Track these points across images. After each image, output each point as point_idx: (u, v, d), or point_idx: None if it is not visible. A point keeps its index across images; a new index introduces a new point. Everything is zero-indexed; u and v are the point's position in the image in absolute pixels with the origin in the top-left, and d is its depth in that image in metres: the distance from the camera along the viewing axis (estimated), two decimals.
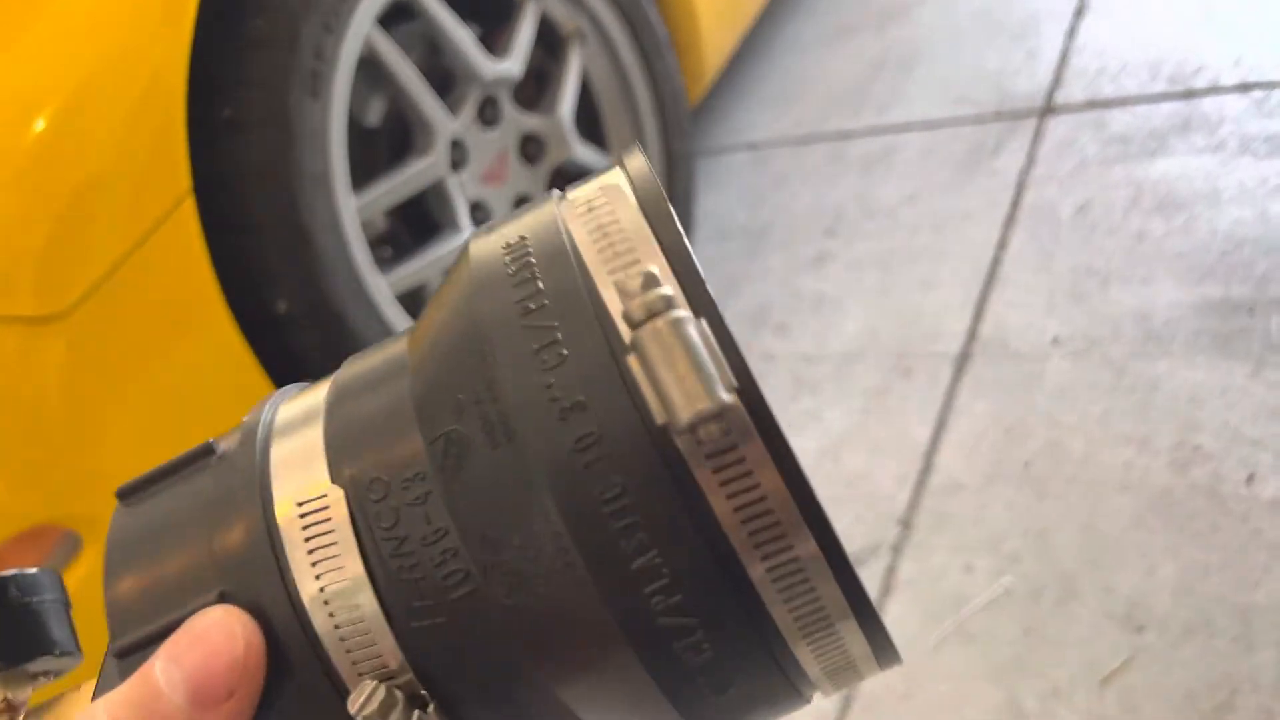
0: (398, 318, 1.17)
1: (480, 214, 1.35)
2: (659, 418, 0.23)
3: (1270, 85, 1.42)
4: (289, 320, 1.08)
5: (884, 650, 0.28)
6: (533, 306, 0.25)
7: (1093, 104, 1.57)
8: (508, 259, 0.27)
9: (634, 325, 0.23)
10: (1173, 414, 1.13)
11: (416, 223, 1.33)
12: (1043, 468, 1.15)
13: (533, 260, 0.26)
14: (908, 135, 1.73)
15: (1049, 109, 1.61)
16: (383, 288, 1.16)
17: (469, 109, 1.31)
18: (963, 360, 1.31)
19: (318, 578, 0.26)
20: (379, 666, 0.26)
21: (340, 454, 0.28)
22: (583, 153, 1.45)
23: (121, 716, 0.26)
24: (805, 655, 0.27)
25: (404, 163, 1.25)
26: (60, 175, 0.96)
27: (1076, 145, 1.52)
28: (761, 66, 2.07)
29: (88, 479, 1.00)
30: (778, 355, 1.46)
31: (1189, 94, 1.49)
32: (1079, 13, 1.75)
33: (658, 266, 0.25)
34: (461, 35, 1.28)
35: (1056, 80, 1.65)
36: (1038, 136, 1.57)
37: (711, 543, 0.24)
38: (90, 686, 0.31)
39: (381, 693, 0.25)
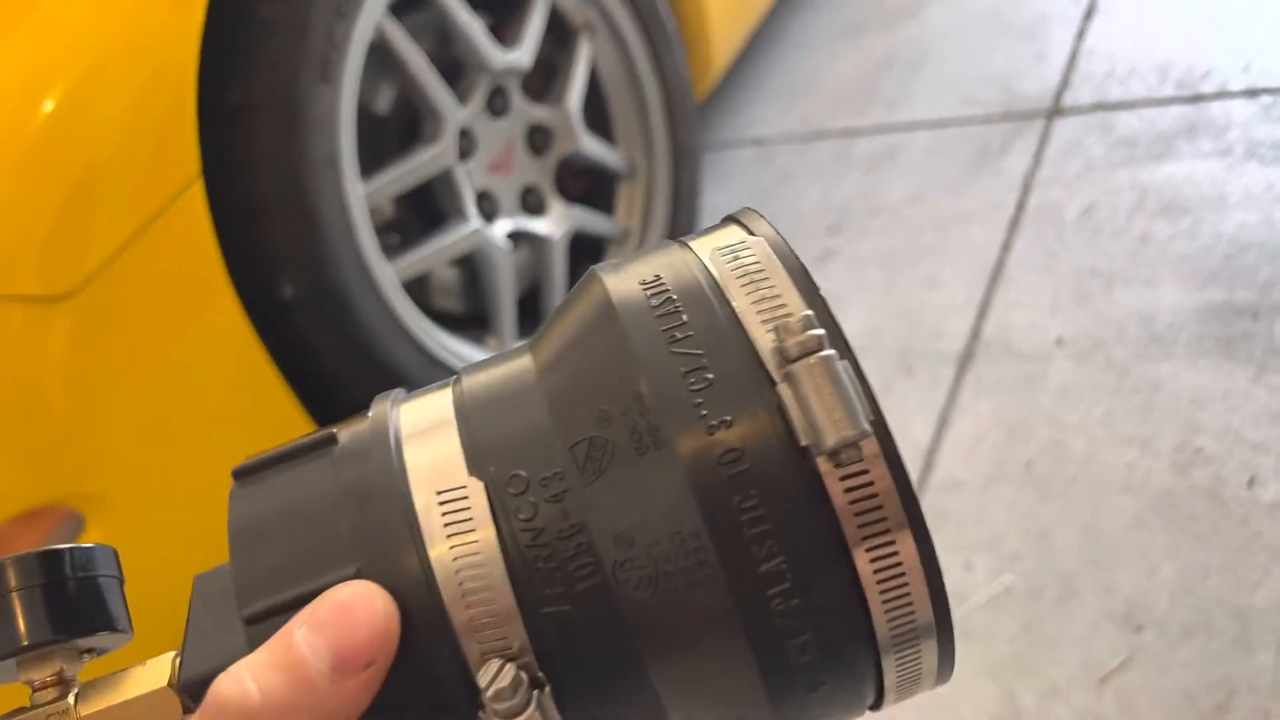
0: (404, 305, 1.17)
1: (487, 203, 1.35)
2: (803, 440, 0.27)
3: (1278, 91, 1.42)
4: (295, 305, 1.08)
5: (946, 669, 0.31)
6: (679, 336, 0.29)
7: (1100, 106, 1.57)
8: (648, 293, 0.30)
9: (789, 360, 0.27)
10: (1175, 416, 1.13)
11: (423, 211, 1.33)
12: (1044, 467, 1.15)
13: (674, 298, 0.30)
14: (914, 134, 1.73)
15: (1056, 111, 1.61)
16: (389, 275, 1.16)
17: (478, 98, 1.31)
18: (965, 359, 1.31)
19: (454, 560, 0.28)
20: (503, 647, 0.28)
21: (478, 454, 0.30)
22: (590, 144, 1.45)
23: (266, 679, 0.27)
24: (890, 665, 0.30)
25: (412, 151, 1.25)
26: (68, 157, 0.96)
27: (1083, 147, 1.52)
28: (769, 63, 2.07)
29: (91, 459, 1.00)
30: None
31: (1197, 98, 1.49)
32: (1088, 15, 1.75)
33: (811, 311, 0.29)
34: (472, 25, 1.28)
35: (1064, 82, 1.65)
36: (1044, 138, 1.58)
37: (833, 554, 0.27)
38: (140, 669, 0.32)
39: (511, 672, 0.27)
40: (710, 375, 0.28)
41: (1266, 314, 1.17)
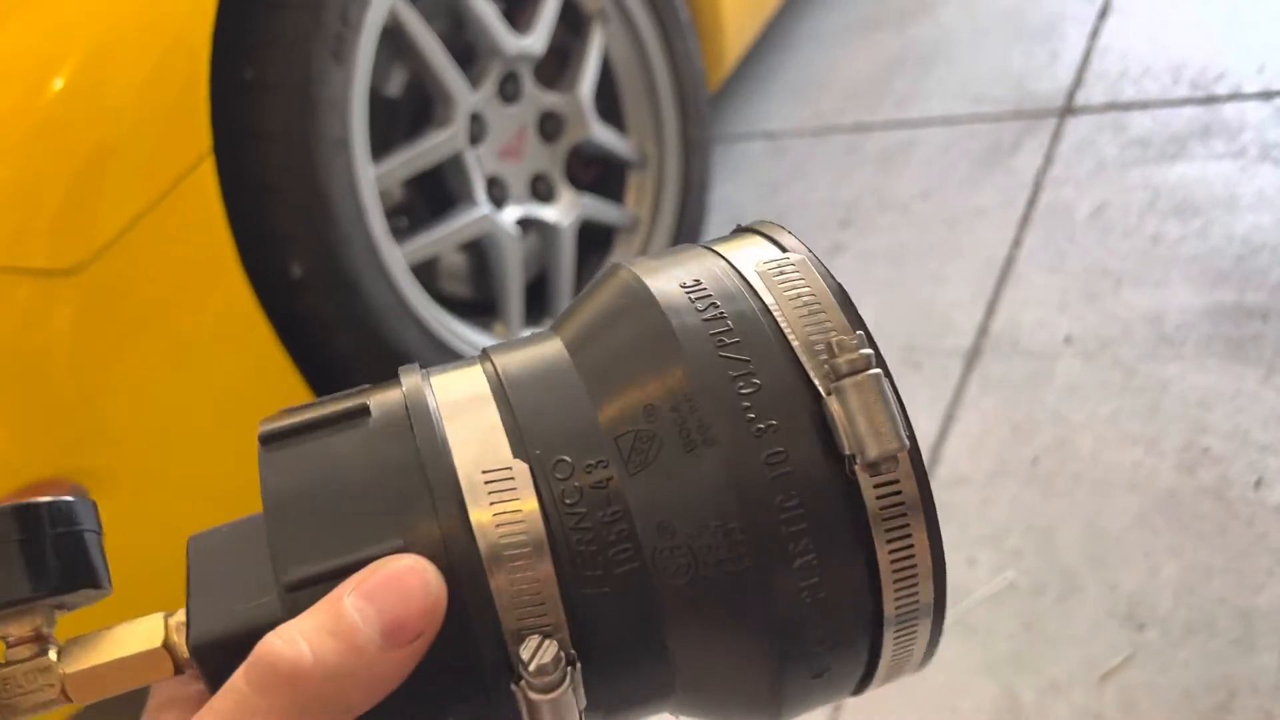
0: (411, 288, 1.17)
1: (496, 189, 1.34)
2: (847, 449, 0.29)
3: None
4: (303, 285, 1.08)
5: (930, 653, 0.33)
6: (725, 341, 0.31)
7: (1113, 106, 1.57)
8: (691, 296, 0.32)
9: (839, 375, 0.29)
10: (1182, 416, 1.12)
11: (433, 195, 1.33)
12: (1049, 465, 1.15)
13: (717, 304, 0.32)
14: (926, 131, 1.73)
15: (1069, 110, 1.61)
16: (398, 258, 1.16)
17: (490, 83, 1.31)
18: (973, 355, 1.31)
19: (500, 538, 0.29)
20: (541, 624, 0.29)
21: (521, 436, 0.31)
22: (601, 133, 1.45)
23: (317, 641, 0.27)
24: (888, 643, 0.31)
25: (423, 134, 1.24)
26: (79, 132, 0.96)
27: (1095, 147, 1.52)
28: (781, 57, 2.07)
29: (96, 434, 1.00)
30: None
31: (1210, 99, 1.48)
32: (1102, 15, 1.75)
33: (861, 332, 0.31)
34: (486, 9, 1.27)
35: (1077, 81, 1.65)
36: (1056, 137, 1.57)
37: (860, 553, 0.30)
38: (127, 628, 0.31)
39: (553, 648, 0.28)
40: (757, 380, 0.30)
41: (1277, 316, 1.16)
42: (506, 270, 1.32)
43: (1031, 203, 1.48)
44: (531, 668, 0.28)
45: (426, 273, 1.30)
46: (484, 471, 0.30)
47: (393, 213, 1.30)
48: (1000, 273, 1.40)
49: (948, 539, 1.04)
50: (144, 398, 1.01)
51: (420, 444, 0.30)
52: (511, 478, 0.30)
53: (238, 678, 0.28)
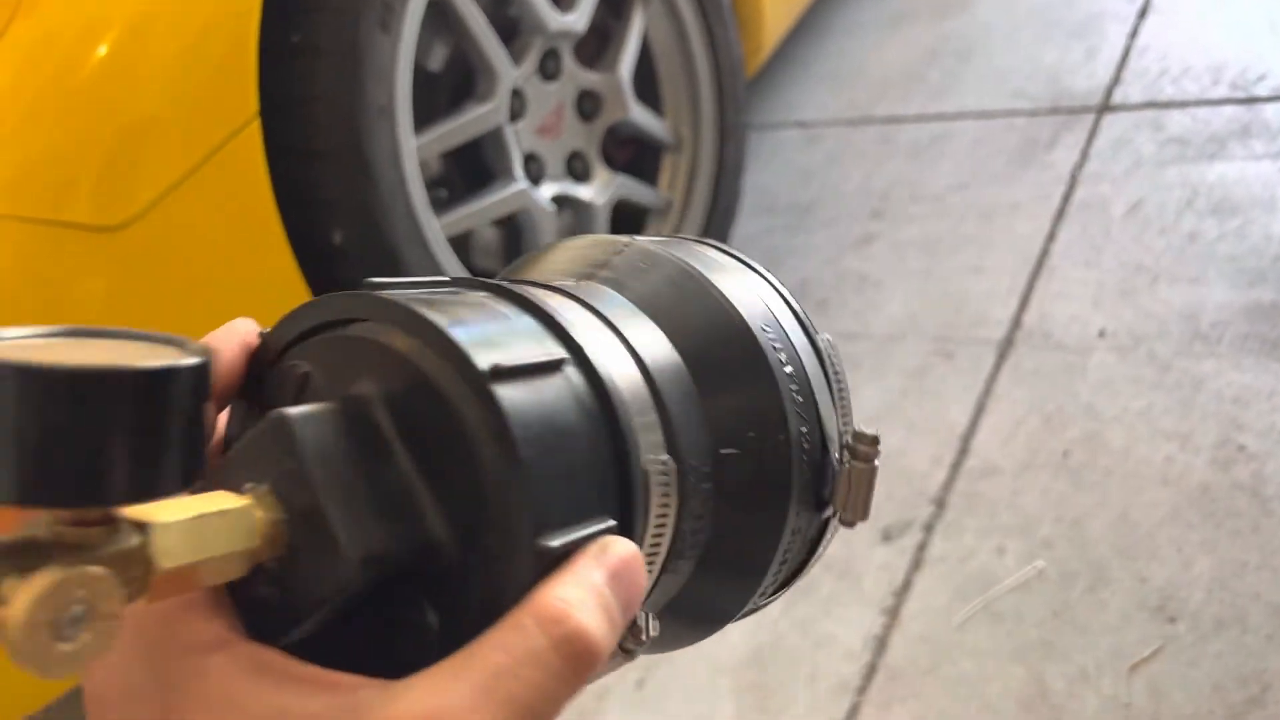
0: (449, 259, 1.17)
1: (534, 165, 1.35)
2: (836, 511, 0.38)
3: None
4: (343, 252, 1.09)
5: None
6: (795, 392, 0.37)
7: (1152, 104, 1.56)
8: (774, 342, 0.38)
9: (854, 455, 0.38)
10: (1216, 413, 1.12)
11: (471, 169, 1.34)
12: (1081, 457, 1.14)
13: (784, 359, 0.37)
14: (961, 123, 1.72)
15: (1106, 107, 1.60)
16: (436, 229, 1.16)
17: (531, 60, 1.31)
18: (1005, 347, 1.31)
19: (652, 534, 0.33)
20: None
21: (669, 435, 0.34)
22: (638, 113, 1.45)
23: (606, 628, 0.28)
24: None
25: (464, 108, 1.25)
26: (127, 91, 0.96)
27: (1133, 144, 1.51)
28: (817, 47, 2.06)
29: None
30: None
31: (1251, 100, 1.48)
32: (1142, 14, 1.74)
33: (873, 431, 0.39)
34: None
35: (1116, 79, 1.64)
36: (1093, 133, 1.57)
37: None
38: (216, 518, 0.27)
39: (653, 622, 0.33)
40: (804, 429, 0.37)
41: None
42: (541, 246, 1.32)
43: (1067, 198, 1.48)
44: (645, 639, 0.32)
45: (460, 246, 1.30)
46: (657, 461, 0.33)
47: (432, 185, 1.30)
48: (1034, 266, 1.40)
49: (976, 527, 1.04)
50: None
51: (621, 428, 0.32)
52: (667, 475, 0.33)
53: (546, 649, 0.26)
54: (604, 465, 0.31)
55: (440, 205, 1.23)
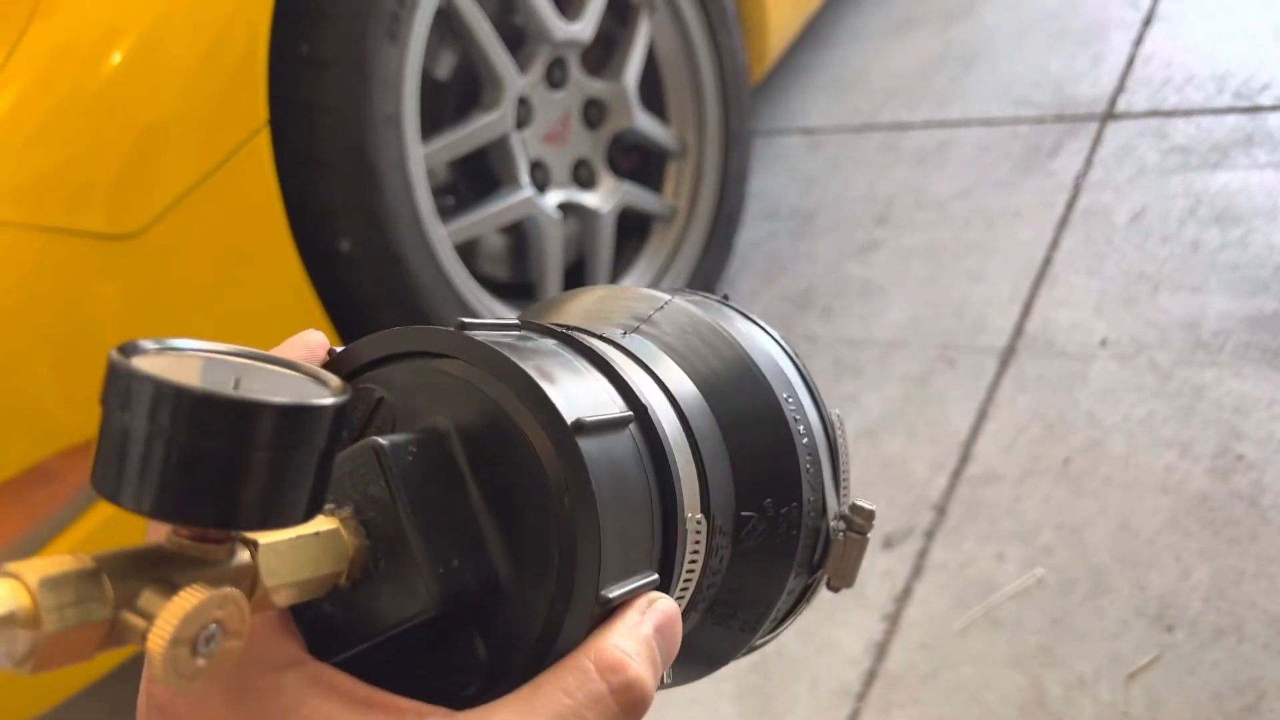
0: (455, 267, 1.18)
1: (539, 173, 1.36)
2: (827, 575, 0.41)
3: None
4: (351, 259, 1.10)
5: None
6: (808, 461, 0.39)
7: (1156, 113, 1.57)
8: (791, 404, 0.40)
9: (848, 526, 0.40)
10: (1216, 422, 1.13)
11: (477, 177, 1.35)
12: (1081, 465, 1.15)
13: (801, 430, 0.40)
14: (965, 131, 1.73)
15: (1110, 115, 1.61)
16: (443, 236, 1.18)
17: (537, 68, 1.33)
18: (1007, 354, 1.31)
19: (679, 588, 0.35)
20: None
21: (703, 492, 0.36)
22: (643, 121, 1.46)
23: (650, 676, 0.30)
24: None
25: (470, 116, 1.26)
26: (140, 101, 0.97)
27: (1136, 153, 1.52)
28: (822, 54, 2.07)
29: None
30: (821, 338, 1.47)
31: (1254, 109, 1.48)
32: (1147, 21, 1.74)
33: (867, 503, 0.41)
34: None
35: (1120, 87, 1.65)
36: (1097, 141, 1.57)
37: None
38: (311, 538, 0.28)
39: None
40: (810, 497, 0.39)
41: None
42: (547, 253, 1.34)
43: (1070, 205, 1.49)
44: None
45: (467, 253, 1.31)
46: (693, 519, 0.34)
47: (438, 192, 1.32)
48: (1037, 273, 1.40)
49: (977, 534, 1.05)
50: None
51: (673, 487, 0.34)
52: (700, 533, 0.35)
53: (606, 694, 0.28)
54: (653, 520, 0.33)
55: (447, 213, 1.24)
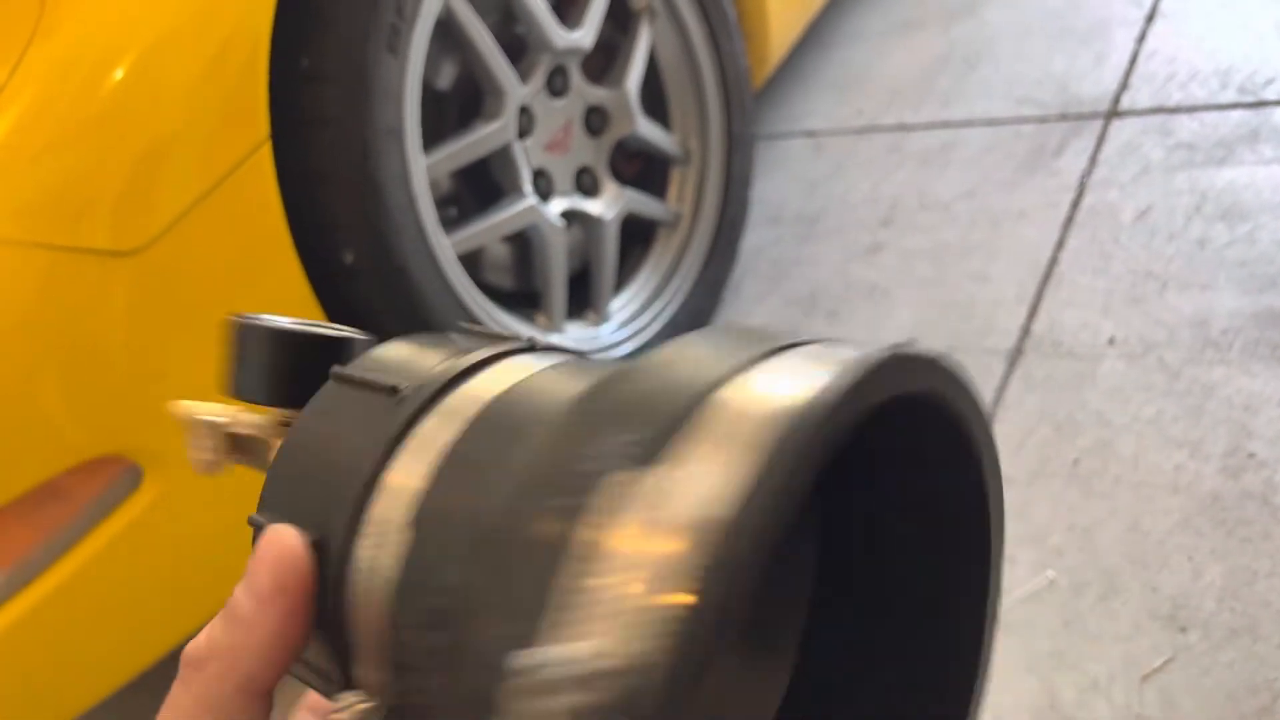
0: (459, 278, 1.18)
1: (543, 182, 1.36)
2: None
3: None
4: (354, 272, 1.10)
5: None
6: None
7: (1160, 109, 1.56)
8: None
9: None
10: (1227, 421, 1.12)
11: (480, 187, 1.35)
12: (1091, 466, 1.15)
13: None
14: (969, 131, 1.72)
15: (1114, 113, 1.60)
16: (446, 247, 1.18)
17: (538, 77, 1.33)
18: (1015, 355, 1.31)
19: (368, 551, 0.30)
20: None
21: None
22: (646, 128, 1.46)
23: (212, 625, 0.30)
24: None
25: (472, 126, 1.26)
26: (141, 116, 0.98)
27: (1141, 150, 1.51)
28: (824, 56, 2.07)
29: (151, 414, 1.02)
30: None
31: (1259, 104, 1.47)
32: (1150, 18, 1.74)
33: None
34: (537, 3, 1.29)
35: (1123, 84, 1.64)
36: (1102, 139, 1.57)
37: None
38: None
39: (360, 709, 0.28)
40: None
41: None
42: (551, 262, 1.33)
43: (1075, 205, 1.48)
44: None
45: (471, 263, 1.31)
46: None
47: (441, 203, 1.32)
48: (1043, 273, 1.40)
49: None
50: (198, 378, 1.03)
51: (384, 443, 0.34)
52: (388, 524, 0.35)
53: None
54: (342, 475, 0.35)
55: (450, 223, 1.24)
